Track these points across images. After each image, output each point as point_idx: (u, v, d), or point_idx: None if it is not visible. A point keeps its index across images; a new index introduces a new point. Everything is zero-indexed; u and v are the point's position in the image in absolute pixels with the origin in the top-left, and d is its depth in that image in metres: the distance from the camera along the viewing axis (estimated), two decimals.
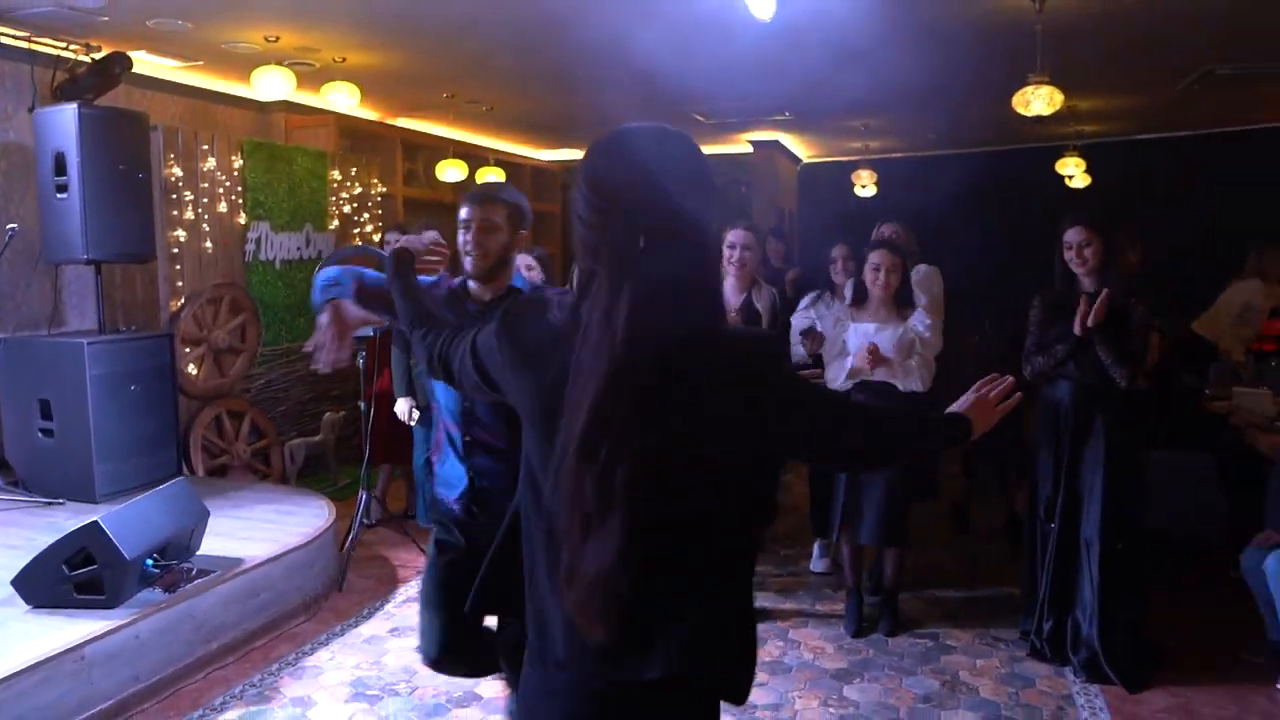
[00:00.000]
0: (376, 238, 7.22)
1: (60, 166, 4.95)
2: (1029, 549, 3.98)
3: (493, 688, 3.63)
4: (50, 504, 4.92)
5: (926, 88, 7.17)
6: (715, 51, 5.97)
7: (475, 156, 9.38)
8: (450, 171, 8.39)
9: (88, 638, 3.32)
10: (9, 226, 4.80)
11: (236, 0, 5.10)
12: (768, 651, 3.92)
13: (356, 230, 7.27)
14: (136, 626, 3.51)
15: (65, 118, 4.93)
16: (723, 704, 1.53)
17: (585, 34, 5.57)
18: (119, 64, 5.58)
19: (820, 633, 4.15)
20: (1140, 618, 3.78)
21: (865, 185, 10.54)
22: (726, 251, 4.10)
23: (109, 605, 3.52)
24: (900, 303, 4.04)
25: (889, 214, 5.41)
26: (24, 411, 5.12)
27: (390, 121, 8.54)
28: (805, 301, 4.58)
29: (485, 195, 2.61)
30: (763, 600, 4.48)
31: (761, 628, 4.13)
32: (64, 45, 5.67)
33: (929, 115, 9.01)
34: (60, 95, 5.56)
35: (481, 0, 5.14)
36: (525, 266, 4.69)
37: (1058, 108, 5.41)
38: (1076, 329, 3.63)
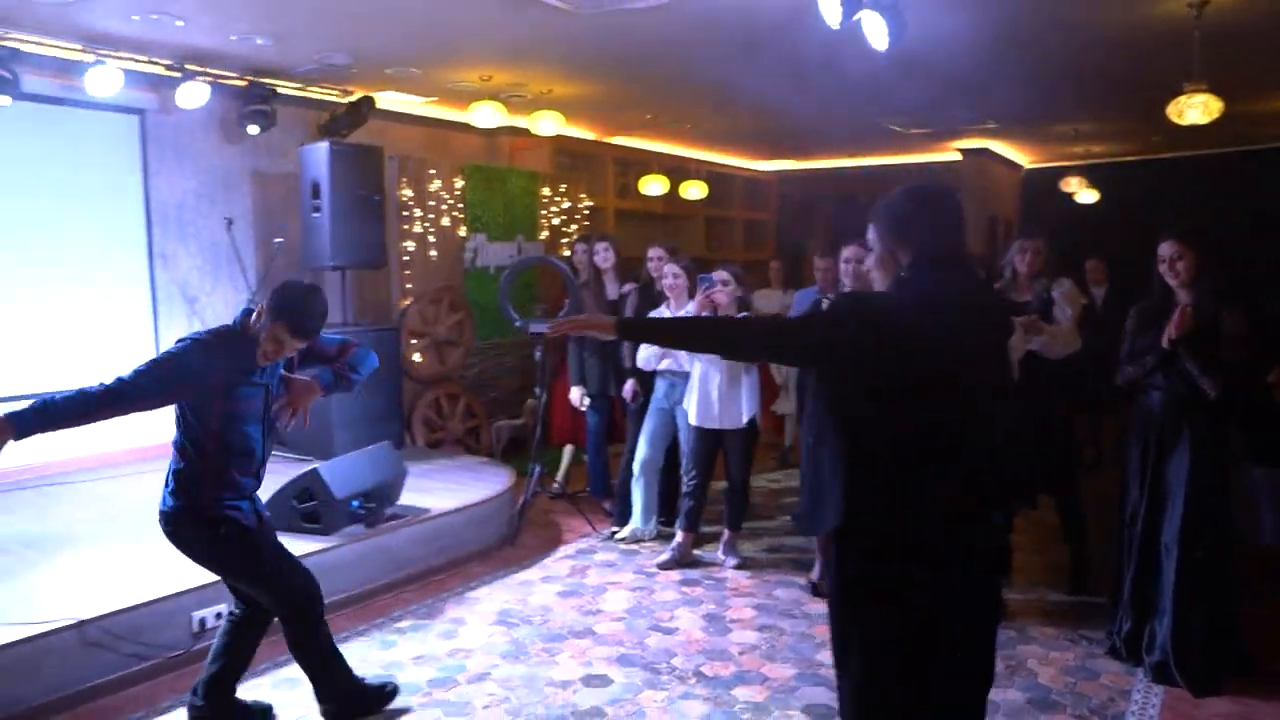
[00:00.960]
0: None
1: (315, 191, 6.21)
2: (1117, 552, 4.15)
3: (608, 626, 4.34)
4: (301, 459, 6.15)
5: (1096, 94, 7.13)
6: (896, 68, 6.19)
7: (682, 169, 10.15)
8: (652, 186, 9.20)
9: (305, 554, 4.36)
10: (276, 240, 6.10)
11: (455, 50, 6.14)
12: None
13: (565, 239, 8.24)
14: (341, 550, 4.54)
15: (320, 153, 6.17)
16: None
17: (776, 56, 5.96)
18: (365, 105, 6.84)
19: None
20: (1219, 624, 3.86)
21: (1077, 191, 10.30)
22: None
23: (325, 533, 4.58)
24: None
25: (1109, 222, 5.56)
26: None
27: (604, 140, 9.49)
28: None
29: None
30: None
31: None
32: (326, 92, 7.00)
33: (1139, 118, 8.75)
34: (323, 133, 6.89)
35: (671, 32, 5.61)
36: (673, 274, 5.37)
37: (1215, 116, 5.36)
38: (1164, 341, 3.80)
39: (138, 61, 5.85)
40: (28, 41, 5.36)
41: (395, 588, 4.76)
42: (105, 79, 5.56)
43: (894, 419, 2.14)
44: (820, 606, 4.59)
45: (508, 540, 5.53)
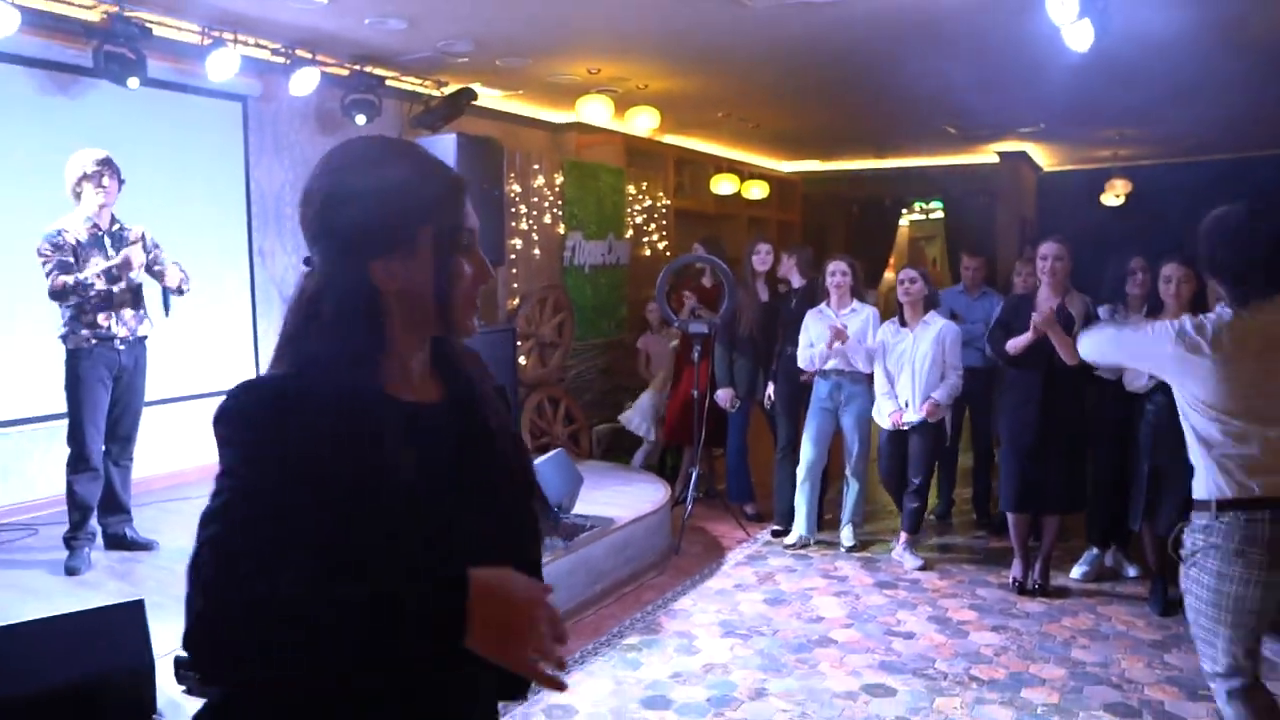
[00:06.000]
0: (661, 245, 7.92)
1: None
2: None
3: (843, 633, 4.13)
4: None
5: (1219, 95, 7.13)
6: (992, 71, 6.26)
7: (736, 170, 10.01)
8: (724, 185, 9.04)
9: None
10: None
11: (568, 41, 5.85)
12: (1081, 621, 4.26)
13: (645, 239, 8.00)
14: (547, 568, 4.22)
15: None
16: None
17: (866, 55, 5.94)
18: (466, 97, 6.49)
19: (1128, 609, 4.41)
20: None
21: (1118, 195, 10.44)
22: (1039, 263, 4.46)
23: None
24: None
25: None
26: None
27: (659, 139, 9.26)
28: (1103, 314, 4.80)
29: None
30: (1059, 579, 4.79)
31: (1069, 602, 4.49)
32: (419, 82, 6.64)
33: (1206, 122, 8.83)
34: (415, 125, 6.52)
35: (779, 31, 5.49)
36: (840, 272, 5.20)
37: None
38: None
39: (248, 46, 5.44)
40: (152, 22, 4.93)
41: (594, 604, 4.46)
42: (224, 63, 5.15)
43: None
44: (1036, 605, 4.46)
45: (672, 550, 5.27)
